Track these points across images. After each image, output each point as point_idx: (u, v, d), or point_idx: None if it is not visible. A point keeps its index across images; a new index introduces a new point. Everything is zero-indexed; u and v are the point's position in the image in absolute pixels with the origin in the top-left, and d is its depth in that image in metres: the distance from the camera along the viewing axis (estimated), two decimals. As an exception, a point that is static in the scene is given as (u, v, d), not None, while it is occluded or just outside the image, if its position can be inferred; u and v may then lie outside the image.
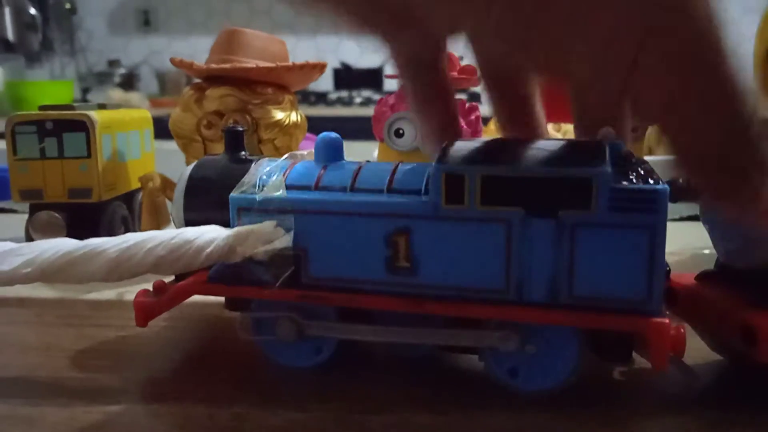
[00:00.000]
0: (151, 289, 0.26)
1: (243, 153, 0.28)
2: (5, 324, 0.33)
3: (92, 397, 0.24)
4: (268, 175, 0.25)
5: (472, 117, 0.39)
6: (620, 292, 0.22)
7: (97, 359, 0.28)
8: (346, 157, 0.27)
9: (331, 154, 0.26)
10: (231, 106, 0.39)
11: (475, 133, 0.39)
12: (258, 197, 0.24)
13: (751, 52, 0.39)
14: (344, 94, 2.66)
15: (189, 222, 0.27)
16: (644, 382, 0.26)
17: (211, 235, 0.23)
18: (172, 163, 0.46)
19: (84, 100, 2.40)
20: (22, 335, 0.32)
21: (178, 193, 0.28)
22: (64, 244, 0.23)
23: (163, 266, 0.23)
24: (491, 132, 0.81)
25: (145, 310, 0.25)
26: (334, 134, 0.26)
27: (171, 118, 0.41)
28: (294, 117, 0.41)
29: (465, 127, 0.38)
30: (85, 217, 0.40)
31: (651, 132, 0.69)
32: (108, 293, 0.35)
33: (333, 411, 0.23)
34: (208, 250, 0.23)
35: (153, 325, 0.31)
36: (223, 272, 0.25)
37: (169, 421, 0.23)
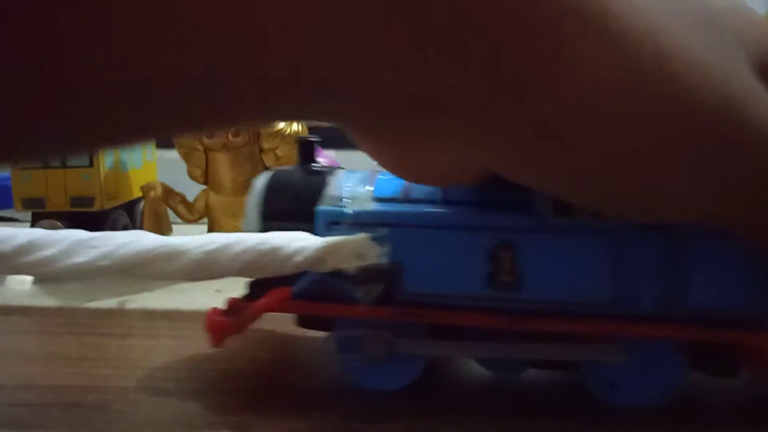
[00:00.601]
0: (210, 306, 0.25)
1: (316, 164, 0.28)
2: (6, 332, 0.33)
3: (94, 406, 0.24)
4: (352, 187, 0.25)
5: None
6: (734, 304, 0.22)
7: (98, 368, 0.28)
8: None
9: None
10: (232, 115, 0.40)
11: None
12: (349, 210, 0.24)
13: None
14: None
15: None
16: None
17: (301, 243, 0.23)
18: (174, 173, 0.47)
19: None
20: (23, 344, 0.32)
21: (253, 203, 0.27)
22: (143, 240, 0.23)
23: (248, 271, 0.23)
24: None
25: (222, 330, 0.24)
26: None
27: (173, 127, 0.42)
28: (295, 126, 0.41)
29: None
30: (86, 226, 0.40)
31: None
32: (109, 302, 0.35)
33: (333, 420, 0.23)
34: (298, 258, 0.22)
35: (153, 333, 0.32)
36: (309, 289, 0.24)
37: (171, 430, 0.23)
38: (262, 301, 0.24)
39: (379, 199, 0.24)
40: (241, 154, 0.40)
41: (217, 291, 0.35)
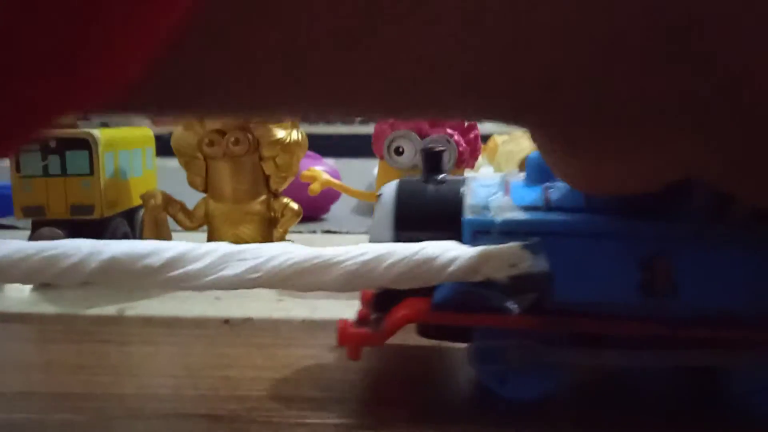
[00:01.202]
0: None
1: (443, 174, 0.27)
2: (6, 340, 0.33)
3: (94, 414, 0.24)
4: (490, 196, 0.25)
5: (471, 135, 0.39)
6: None
7: (98, 375, 0.28)
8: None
9: (544, 174, 0.25)
10: (232, 123, 0.40)
11: (474, 152, 0.40)
12: (499, 219, 0.24)
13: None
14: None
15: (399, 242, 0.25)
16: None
17: (454, 252, 0.23)
18: (174, 181, 0.47)
19: (85, 118, 2.41)
20: (22, 351, 0.32)
21: (384, 212, 0.27)
22: (294, 252, 0.23)
23: (402, 281, 0.23)
24: (490, 150, 0.82)
25: (360, 341, 0.24)
26: None
27: (173, 135, 0.42)
28: (295, 135, 0.41)
29: (464, 145, 0.38)
30: (86, 234, 0.40)
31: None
32: (109, 309, 0.35)
33: (332, 426, 0.23)
34: (451, 268, 0.22)
35: (153, 340, 0.32)
36: (451, 298, 0.24)
37: (170, 436, 0.23)
38: (403, 312, 0.24)
39: (524, 208, 0.24)
40: (241, 162, 0.40)
41: (216, 299, 0.36)
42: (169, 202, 0.41)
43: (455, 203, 0.25)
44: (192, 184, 0.42)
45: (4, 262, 0.22)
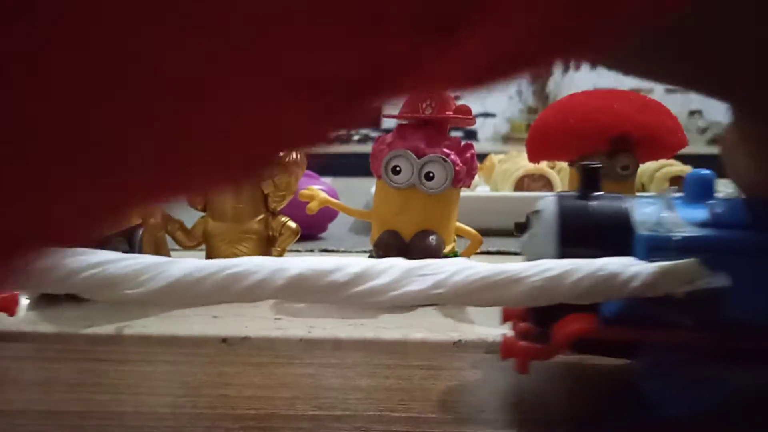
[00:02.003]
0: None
1: (599, 190, 0.28)
2: (4, 359, 0.33)
3: (90, 430, 0.24)
4: (656, 213, 0.25)
5: (468, 154, 0.40)
6: None
7: (96, 394, 0.28)
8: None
9: (706, 191, 0.26)
10: (231, 143, 0.40)
11: (471, 171, 0.40)
12: (677, 236, 0.24)
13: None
14: (342, 131, 2.68)
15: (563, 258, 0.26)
16: None
17: (635, 268, 0.23)
18: (173, 200, 0.47)
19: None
20: (20, 370, 0.32)
21: (545, 228, 0.27)
22: (475, 267, 0.23)
23: (586, 297, 0.23)
24: (486, 169, 0.82)
25: (530, 355, 0.25)
26: (705, 171, 0.26)
27: (172, 155, 0.42)
28: (293, 154, 0.42)
29: (461, 165, 0.39)
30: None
31: (644, 169, 0.71)
32: (107, 328, 0.35)
33: (331, 445, 0.23)
34: (634, 284, 0.22)
35: (151, 359, 0.32)
36: (622, 314, 0.24)
37: (168, 455, 0.23)
38: (574, 327, 0.24)
39: (695, 224, 0.24)
40: (239, 181, 0.41)
41: (214, 317, 0.36)
42: (168, 221, 0.41)
43: (621, 219, 0.25)
44: (191, 203, 0.42)
45: (186, 280, 0.22)
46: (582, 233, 0.26)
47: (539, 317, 0.26)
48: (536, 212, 0.28)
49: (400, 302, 0.23)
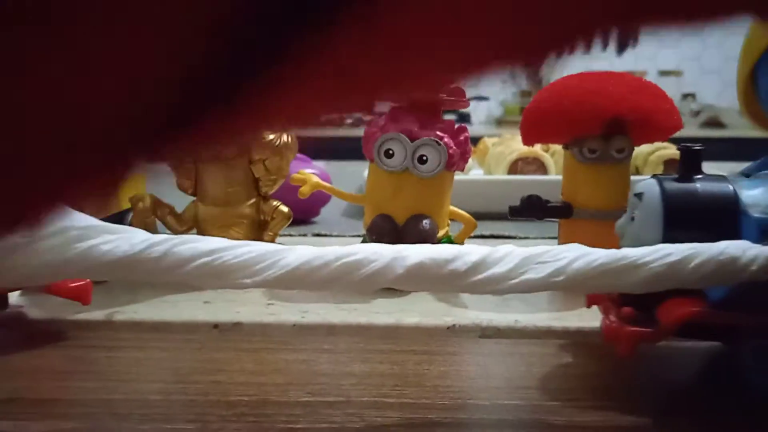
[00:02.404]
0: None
1: (701, 172, 0.28)
2: (-7, 346, 0.32)
3: (81, 419, 0.24)
4: (764, 194, 0.25)
5: (461, 138, 0.39)
6: None
7: (86, 381, 0.27)
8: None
9: None
10: (222, 126, 0.40)
11: (464, 154, 0.40)
12: None
13: (735, 73, 0.40)
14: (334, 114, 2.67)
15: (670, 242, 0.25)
16: None
17: (753, 251, 0.23)
18: (162, 184, 0.46)
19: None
20: (9, 357, 0.31)
21: (650, 211, 0.27)
22: (595, 253, 0.23)
23: (706, 281, 0.23)
24: (480, 153, 0.82)
25: (638, 339, 0.24)
26: None
27: (162, 138, 0.41)
28: (285, 138, 0.41)
29: (455, 148, 0.38)
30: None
31: (638, 152, 0.70)
32: (97, 314, 0.35)
33: (323, 431, 0.23)
34: (753, 267, 0.22)
35: (142, 345, 0.31)
36: (731, 298, 0.24)
37: (159, 442, 0.23)
38: (682, 310, 0.24)
39: None
40: (230, 165, 0.40)
41: (206, 303, 0.35)
42: (158, 205, 0.41)
43: (728, 202, 0.25)
44: (181, 187, 0.41)
45: (303, 269, 0.22)
46: (689, 216, 0.26)
47: (641, 301, 0.25)
48: (638, 195, 0.28)
49: (519, 290, 0.22)
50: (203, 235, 0.41)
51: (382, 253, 0.22)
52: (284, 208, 0.42)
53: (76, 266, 0.22)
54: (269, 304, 0.36)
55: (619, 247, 0.23)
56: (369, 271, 0.22)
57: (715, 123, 2.50)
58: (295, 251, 0.22)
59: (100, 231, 0.22)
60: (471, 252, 0.22)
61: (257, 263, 0.22)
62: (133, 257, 0.22)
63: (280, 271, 0.22)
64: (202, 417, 0.24)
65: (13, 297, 0.37)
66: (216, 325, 0.33)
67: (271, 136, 0.40)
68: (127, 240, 0.22)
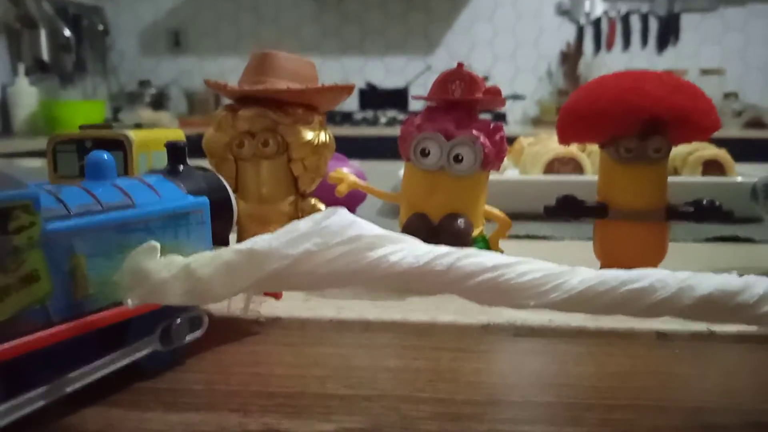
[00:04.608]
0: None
1: None
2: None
3: (129, 406, 0.25)
4: None
5: (497, 137, 0.40)
6: None
7: (132, 368, 0.29)
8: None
9: None
10: (262, 125, 0.41)
11: (500, 153, 0.40)
12: None
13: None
14: (369, 114, 2.69)
15: None
16: None
17: None
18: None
19: (115, 119, 2.46)
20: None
21: None
22: None
23: None
24: (515, 152, 0.82)
25: None
26: None
27: (204, 137, 0.43)
28: (323, 137, 0.42)
29: (490, 147, 0.39)
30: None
31: (676, 152, 0.69)
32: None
33: (360, 422, 0.24)
34: None
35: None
36: None
37: (203, 429, 0.23)
38: None
39: None
40: (270, 164, 0.41)
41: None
42: (200, 202, 0.42)
43: None
44: (222, 185, 0.42)
45: (589, 293, 0.23)
46: None
47: None
48: None
49: None
50: (243, 230, 0.42)
51: (667, 281, 0.22)
52: (322, 206, 0.43)
53: (365, 275, 0.23)
54: (306, 300, 0.37)
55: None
56: (655, 300, 0.22)
57: (758, 123, 2.44)
58: (577, 274, 0.23)
59: (385, 240, 0.23)
60: (757, 284, 0.22)
61: (541, 285, 0.23)
62: (419, 269, 0.23)
63: (564, 295, 0.22)
64: (243, 407, 0.25)
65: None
66: (256, 320, 0.34)
67: (310, 136, 0.41)
68: (411, 251, 0.23)
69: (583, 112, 0.39)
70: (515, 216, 0.45)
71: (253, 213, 0.42)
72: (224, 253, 0.24)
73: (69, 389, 0.24)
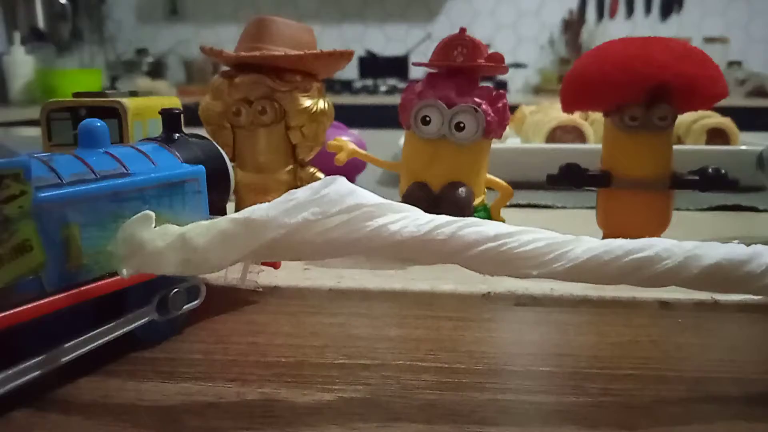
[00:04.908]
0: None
1: None
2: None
3: (126, 376, 0.25)
4: None
5: (499, 105, 0.39)
6: None
7: (129, 338, 0.28)
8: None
9: None
10: (259, 93, 0.40)
11: (503, 121, 0.39)
12: None
13: None
14: (369, 82, 2.66)
15: None
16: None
17: None
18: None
19: (112, 88, 2.43)
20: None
21: None
22: None
23: None
24: (517, 121, 0.81)
25: None
26: None
27: (201, 105, 0.42)
28: (321, 104, 0.41)
29: (492, 115, 0.38)
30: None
31: (680, 121, 0.69)
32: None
33: (359, 392, 0.24)
34: None
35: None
36: None
37: (201, 399, 0.23)
38: None
39: None
40: (267, 131, 0.41)
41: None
42: (197, 171, 0.41)
43: None
44: (219, 153, 0.42)
45: (593, 262, 0.22)
46: None
47: None
48: None
49: None
50: (241, 200, 0.41)
51: (673, 251, 0.22)
52: (321, 175, 0.42)
53: (364, 245, 0.23)
54: (306, 269, 0.36)
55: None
56: (661, 269, 0.22)
57: (761, 92, 2.42)
58: (581, 243, 0.22)
59: (386, 209, 0.23)
60: (765, 253, 0.22)
61: (545, 254, 0.22)
62: (420, 239, 0.22)
63: (568, 264, 0.22)
64: (241, 376, 0.25)
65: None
66: (255, 289, 0.34)
67: (308, 103, 0.41)
68: (412, 220, 0.23)
69: (587, 78, 0.38)
70: (517, 185, 0.44)
71: (251, 182, 0.41)
72: (220, 223, 0.24)
73: (64, 359, 0.23)
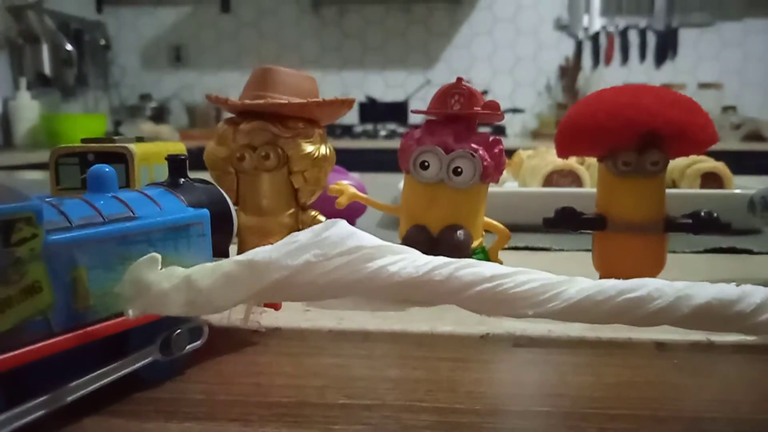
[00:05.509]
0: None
1: None
2: None
3: (129, 416, 0.25)
4: None
5: (496, 150, 0.40)
6: None
7: (133, 378, 0.29)
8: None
9: None
10: (263, 139, 0.41)
11: (499, 166, 0.40)
12: None
13: None
14: (369, 127, 2.70)
15: None
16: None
17: None
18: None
19: (117, 132, 2.47)
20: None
21: None
22: None
23: None
24: (514, 165, 0.82)
25: None
26: None
27: (206, 150, 0.43)
28: (323, 150, 0.42)
29: (489, 160, 0.39)
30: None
31: (674, 165, 0.70)
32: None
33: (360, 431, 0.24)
34: None
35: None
36: None
37: None
38: None
39: None
40: (270, 176, 0.42)
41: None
42: (200, 214, 0.42)
43: None
44: (223, 197, 0.43)
45: (587, 302, 0.23)
46: None
47: None
48: None
49: None
50: (243, 242, 0.42)
51: (665, 290, 0.23)
52: (322, 218, 0.43)
53: (364, 285, 0.23)
54: (306, 310, 0.37)
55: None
56: (653, 308, 0.22)
57: (756, 136, 2.45)
58: (575, 283, 0.23)
59: (385, 251, 0.24)
60: (754, 293, 0.23)
61: (540, 294, 0.23)
62: (418, 279, 0.23)
63: (563, 304, 0.23)
64: (243, 416, 0.25)
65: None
66: (255, 330, 0.34)
67: (310, 149, 0.42)
68: (411, 262, 0.23)
69: (581, 125, 0.39)
70: (514, 228, 0.45)
71: (254, 225, 0.42)
72: (224, 265, 0.24)
73: (69, 398, 0.24)
